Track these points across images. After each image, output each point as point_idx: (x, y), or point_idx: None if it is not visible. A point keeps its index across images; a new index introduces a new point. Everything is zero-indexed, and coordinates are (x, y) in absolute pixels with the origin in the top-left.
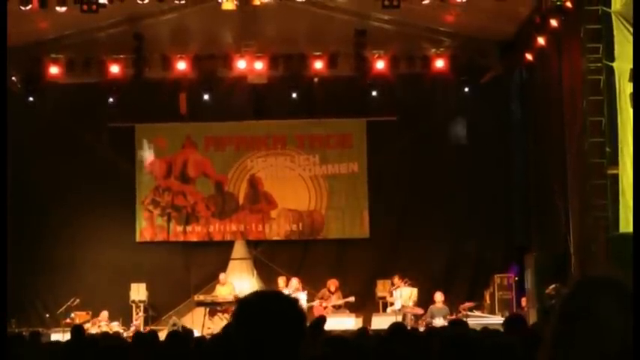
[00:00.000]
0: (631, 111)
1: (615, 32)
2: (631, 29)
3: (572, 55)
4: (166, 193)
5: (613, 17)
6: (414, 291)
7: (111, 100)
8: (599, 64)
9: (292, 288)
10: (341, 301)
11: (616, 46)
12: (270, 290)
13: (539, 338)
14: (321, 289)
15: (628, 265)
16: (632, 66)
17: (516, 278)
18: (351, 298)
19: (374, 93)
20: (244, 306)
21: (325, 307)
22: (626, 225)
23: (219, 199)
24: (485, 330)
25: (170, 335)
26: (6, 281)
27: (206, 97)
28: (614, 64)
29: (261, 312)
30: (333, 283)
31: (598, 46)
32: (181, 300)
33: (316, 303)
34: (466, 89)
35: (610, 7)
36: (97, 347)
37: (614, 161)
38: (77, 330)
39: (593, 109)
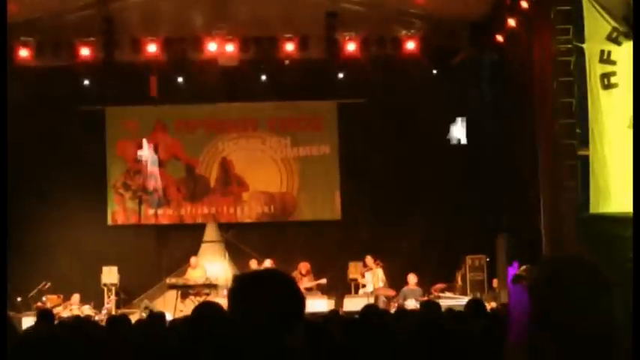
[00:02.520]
0: (601, 92)
1: (585, 13)
2: (601, 10)
3: (543, 37)
4: (137, 176)
5: None
6: (379, 271)
7: (81, 83)
8: (569, 46)
9: None
10: (312, 284)
11: (586, 28)
12: (269, 269)
13: (498, 322)
14: (293, 271)
15: (597, 246)
16: (602, 47)
17: (487, 259)
18: (323, 280)
19: (345, 75)
20: (242, 285)
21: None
22: (595, 206)
23: (191, 182)
24: (451, 312)
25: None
26: (6, 275)
27: (177, 79)
28: (584, 46)
29: (259, 292)
30: (304, 266)
31: (568, 27)
32: (153, 283)
33: None
34: (436, 71)
35: None
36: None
37: (585, 143)
38: (44, 314)
39: (564, 90)
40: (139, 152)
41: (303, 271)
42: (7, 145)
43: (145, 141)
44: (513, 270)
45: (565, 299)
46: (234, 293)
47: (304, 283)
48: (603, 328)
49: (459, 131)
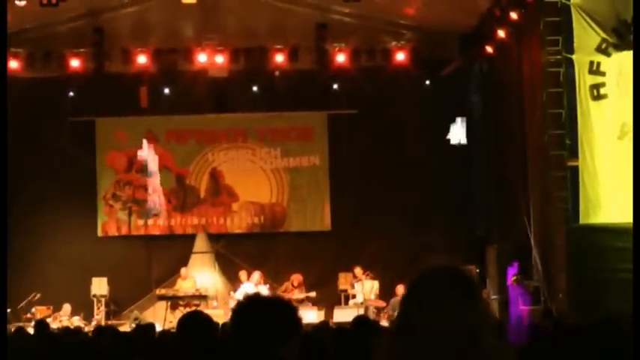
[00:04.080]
0: (591, 103)
1: (575, 25)
2: (590, 21)
3: (532, 48)
4: (127, 187)
5: (572, 9)
6: (375, 284)
7: (71, 94)
8: (558, 57)
9: (254, 281)
10: (302, 295)
11: (575, 39)
12: (268, 296)
13: None
14: (283, 282)
15: (587, 257)
16: (592, 58)
17: (477, 270)
18: (312, 294)
19: (335, 86)
20: (242, 311)
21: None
22: (585, 217)
23: (181, 193)
24: None
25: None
26: (6, 281)
27: (167, 90)
28: (574, 57)
29: (259, 318)
30: (296, 278)
31: (557, 38)
32: (143, 294)
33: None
34: (427, 82)
35: None
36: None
37: (574, 153)
38: (40, 325)
39: (553, 101)
40: (139, 152)
41: (295, 283)
42: (7, 152)
43: (145, 141)
44: (513, 270)
45: (432, 309)
46: (235, 315)
47: (295, 295)
48: (463, 332)
49: (459, 131)
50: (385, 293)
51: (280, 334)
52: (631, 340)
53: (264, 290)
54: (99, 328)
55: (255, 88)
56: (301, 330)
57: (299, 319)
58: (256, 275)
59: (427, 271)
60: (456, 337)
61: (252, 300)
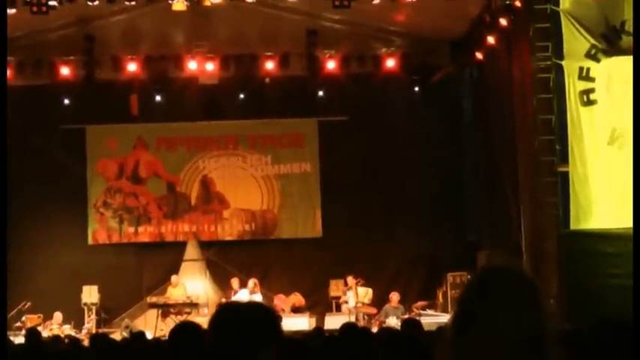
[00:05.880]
0: (581, 108)
1: (564, 30)
2: (579, 27)
3: (522, 54)
4: (118, 195)
5: (562, 16)
6: (370, 291)
7: (62, 101)
8: (548, 63)
9: (249, 289)
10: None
11: (565, 45)
12: (247, 302)
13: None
14: (274, 287)
15: (577, 262)
16: (581, 64)
17: (469, 276)
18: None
19: (325, 93)
20: (220, 317)
21: (283, 310)
22: (576, 222)
23: (172, 200)
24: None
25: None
26: (5, 283)
27: (157, 98)
28: (564, 63)
29: (239, 323)
30: (299, 301)
31: (547, 44)
32: (134, 302)
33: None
34: (417, 88)
35: (559, 5)
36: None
37: (565, 159)
38: (32, 334)
39: (543, 107)
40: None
41: (297, 304)
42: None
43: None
44: None
45: (493, 308)
46: (213, 321)
47: (288, 309)
48: (529, 335)
49: None
50: (377, 300)
51: (259, 340)
52: (624, 345)
53: (259, 298)
54: (94, 336)
55: (245, 95)
56: (281, 335)
57: (279, 325)
58: (251, 283)
59: (488, 271)
60: (519, 343)
61: (231, 306)
